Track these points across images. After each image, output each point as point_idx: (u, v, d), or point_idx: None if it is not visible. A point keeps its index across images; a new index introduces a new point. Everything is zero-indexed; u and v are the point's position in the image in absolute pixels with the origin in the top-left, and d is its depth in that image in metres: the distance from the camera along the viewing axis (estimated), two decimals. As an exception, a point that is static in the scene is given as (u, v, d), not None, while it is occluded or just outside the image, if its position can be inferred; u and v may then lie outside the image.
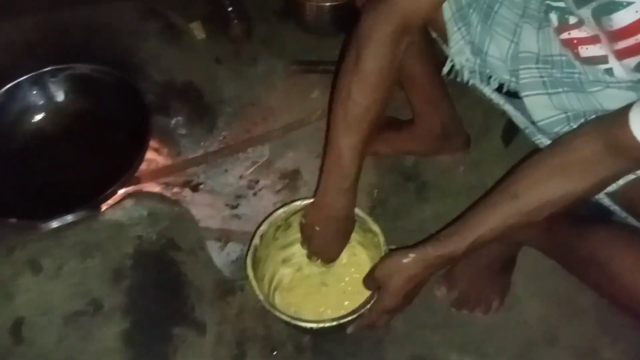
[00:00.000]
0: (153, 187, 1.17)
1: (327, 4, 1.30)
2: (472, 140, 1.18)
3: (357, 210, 0.93)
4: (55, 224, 0.85)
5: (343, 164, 0.82)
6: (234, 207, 1.17)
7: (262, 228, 0.93)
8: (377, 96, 0.78)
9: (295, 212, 0.96)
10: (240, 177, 1.21)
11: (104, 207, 0.95)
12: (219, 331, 0.95)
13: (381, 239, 0.91)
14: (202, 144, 1.25)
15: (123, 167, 0.96)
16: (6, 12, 1.17)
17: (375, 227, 0.92)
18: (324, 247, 0.94)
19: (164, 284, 0.88)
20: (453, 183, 1.16)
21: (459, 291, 1.00)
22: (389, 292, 0.77)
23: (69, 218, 0.86)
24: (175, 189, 1.18)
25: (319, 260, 0.97)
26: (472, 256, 0.83)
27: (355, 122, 0.79)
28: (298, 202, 0.96)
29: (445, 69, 0.89)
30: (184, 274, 0.91)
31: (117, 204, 0.93)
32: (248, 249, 0.92)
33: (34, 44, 1.11)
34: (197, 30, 1.36)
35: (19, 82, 1.05)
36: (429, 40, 0.93)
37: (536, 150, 0.79)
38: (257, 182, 1.20)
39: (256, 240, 0.92)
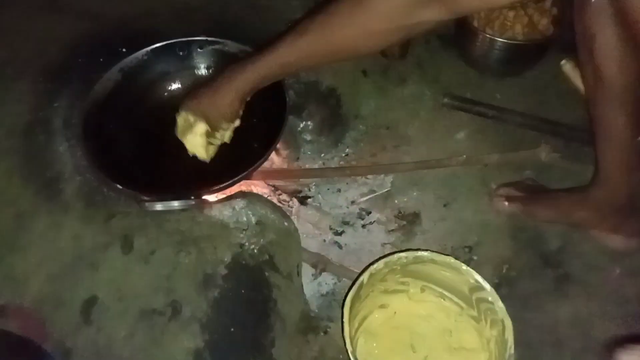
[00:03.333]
0: (261, 188, 1.08)
1: (502, 40, 1.14)
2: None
3: (488, 289, 0.78)
4: (159, 207, 0.77)
5: (265, 71, 0.79)
6: (338, 233, 1.05)
7: (375, 266, 0.84)
8: (358, 38, 0.73)
9: (417, 263, 0.85)
10: (353, 202, 1.09)
11: (213, 200, 0.86)
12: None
13: (510, 338, 0.75)
14: (322, 155, 1.15)
15: (245, 162, 0.86)
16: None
17: (508, 321, 0.76)
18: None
19: (252, 305, 0.78)
20: (602, 285, 0.95)
21: None
22: None
23: (175, 204, 0.77)
24: (283, 196, 1.09)
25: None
26: None
27: (317, 44, 0.75)
28: (425, 253, 0.85)
29: None
30: (275, 299, 0.80)
31: (227, 201, 0.83)
32: (350, 287, 0.82)
33: (194, 8, 1.05)
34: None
35: (167, 44, 0.99)
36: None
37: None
38: (369, 213, 1.08)
39: (364, 278, 0.83)
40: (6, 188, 0.84)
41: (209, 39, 1.01)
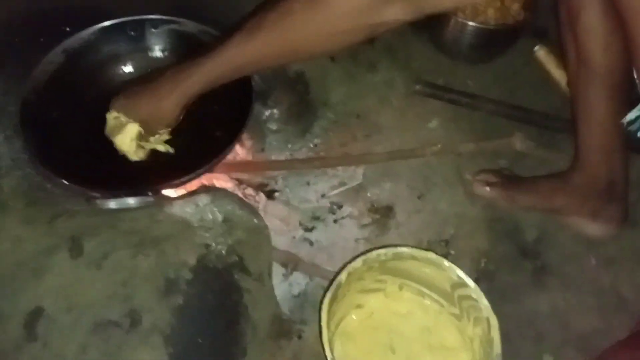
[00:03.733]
0: (224, 181, 1.00)
1: (474, 24, 1.10)
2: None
3: (472, 287, 0.75)
4: (112, 204, 0.68)
5: (213, 75, 0.72)
6: (309, 229, 0.99)
7: (353, 264, 0.79)
8: (314, 35, 0.66)
9: (396, 259, 0.81)
10: (323, 195, 1.03)
11: (174, 196, 0.78)
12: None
13: (496, 336, 0.71)
14: (289, 145, 1.08)
15: (208, 153, 0.79)
16: None
17: (493, 320, 0.73)
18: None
19: (220, 312, 0.71)
20: (579, 276, 0.94)
21: None
22: None
23: (131, 202, 0.69)
24: (249, 190, 1.01)
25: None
26: None
27: (270, 46, 0.68)
28: (405, 249, 0.81)
29: (631, 116, 0.70)
30: (245, 304, 0.73)
31: (190, 197, 0.75)
32: (327, 288, 0.78)
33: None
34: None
35: (115, 23, 0.90)
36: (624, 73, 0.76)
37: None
38: (341, 207, 1.02)
39: (342, 277, 0.78)
40: None
41: (164, 17, 0.92)
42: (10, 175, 0.76)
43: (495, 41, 1.15)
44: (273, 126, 1.08)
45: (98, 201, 0.69)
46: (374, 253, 0.79)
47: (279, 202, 1.01)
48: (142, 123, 0.79)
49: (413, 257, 0.80)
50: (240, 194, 0.98)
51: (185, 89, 0.75)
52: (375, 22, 0.63)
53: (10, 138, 0.80)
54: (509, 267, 0.94)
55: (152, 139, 0.83)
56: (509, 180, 0.98)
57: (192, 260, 0.70)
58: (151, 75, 0.80)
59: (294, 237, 0.97)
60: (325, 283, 0.93)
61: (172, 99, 0.76)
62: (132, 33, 0.91)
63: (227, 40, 0.70)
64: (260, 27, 0.68)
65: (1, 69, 0.86)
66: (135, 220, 0.71)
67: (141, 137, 0.81)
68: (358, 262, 0.78)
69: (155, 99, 0.77)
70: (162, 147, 0.85)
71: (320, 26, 0.65)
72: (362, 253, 0.81)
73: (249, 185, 1.03)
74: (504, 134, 1.07)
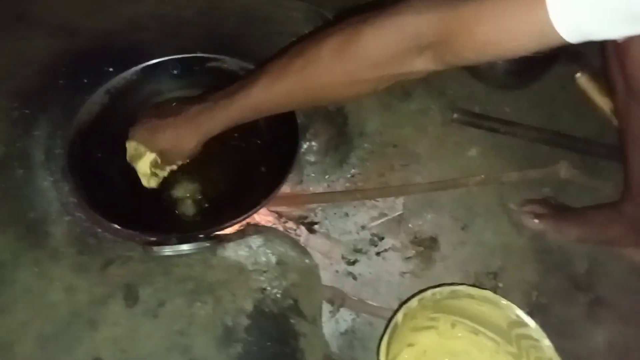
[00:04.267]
0: (264, 215, 0.99)
1: (510, 52, 1.08)
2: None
3: (533, 327, 0.74)
4: (168, 251, 0.67)
5: (236, 116, 0.72)
6: (351, 262, 0.98)
7: (409, 304, 0.77)
8: (342, 84, 0.65)
9: (451, 298, 0.79)
10: (363, 227, 1.02)
11: (226, 239, 0.77)
12: None
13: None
14: (327, 177, 1.07)
15: (255, 190, 0.78)
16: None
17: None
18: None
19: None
20: (636, 308, 0.91)
21: None
22: None
23: (186, 248, 0.67)
24: (289, 224, 1.00)
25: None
26: None
27: (295, 91, 0.68)
28: (462, 288, 0.79)
29: None
30: (302, 349, 0.71)
31: (242, 239, 0.74)
32: (385, 330, 0.75)
33: (186, 21, 0.95)
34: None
35: (159, 61, 0.89)
36: None
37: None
38: (382, 239, 1.00)
39: (398, 318, 0.76)
40: (-20, 234, 0.72)
41: (206, 55, 0.92)
42: (60, 221, 0.75)
43: (531, 67, 1.14)
44: (311, 158, 1.06)
45: (155, 248, 0.67)
46: (430, 292, 0.78)
47: (320, 235, 1.00)
48: (160, 154, 0.80)
49: (469, 296, 0.78)
50: (281, 228, 0.97)
51: (208, 128, 0.75)
52: (403, 72, 0.62)
53: (58, 182, 0.79)
54: (562, 300, 0.92)
55: (167, 168, 0.83)
56: (557, 210, 0.96)
57: (249, 306, 0.69)
58: (171, 110, 0.80)
59: (337, 271, 0.96)
60: (373, 319, 0.91)
61: (193, 136, 0.76)
62: (175, 71, 0.91)
63: (252, 83, 0.70)
64: (286, 72, 0.67)
65: (46, 112, 0.85)
66: (189, 266, 0.70)
67: (156, 166, 0.81)
68: (414, 302, 0.77)
69: (175, 135, 0.77)
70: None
71: (347, 75, 0.64)
72: (417, 293, 0.78)
73: (289, 218, 1.01)
74: (546, 162, 1.05)
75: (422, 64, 0.60)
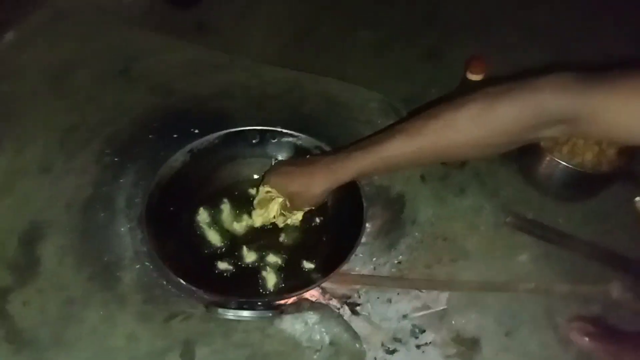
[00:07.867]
0: (311, 291, 1.01)
1: (571, 166, 1.11)
2: None
3: None
4: (230, 315, 0.69)
5: (367, 169, 0.79)
6: (390, 351, 0.97)
7: None
8: (475, 147, 0.71)
9: None
10: (404, 316, 1.02)
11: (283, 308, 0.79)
12: None
13: None
14: (374, 259, 1.09)
15: (319, 264, 0.81)
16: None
17: None
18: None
19: None
20: None
21: None
22: None
23: (245, 315, 0.70)
24: (333, 301, 1.01)
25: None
26: None
27: (427, 150, 0.75)
28: None
29: None
30: None
31: (298, 313, 0.76)
32: None
33: (270, 96, 1.03)
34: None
35: (241, 130, 0.96)
36: None
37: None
38: (424, 331, 1.00)
39: None
40: (58, 268, 0.77)
41: (284, 130, 0.98)
42: (132, 268, 0.79)
43: (589, 184, 1.16)
44: (362, 239, 1.08)
45: (220, 310, 0.70)
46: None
47: (362, 318, 1.00)
48: (290, 197, 0.87)
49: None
50: (324, 303, 0.98)
51: (339, 176, 0.82)
52: (532, 138, 0.67)
53: (134, 230, 0.83)
54: None
55: (294, 211, 0.91)
56: (608, 332, 0.94)
57: (299, 382, 0.70)
58: (304, 161, 0.89)
59: (375, 358, 0.95)
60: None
61: (324, 182, 0.83)
62: (254, 141, 0.97)
63: (387, 139, 0.77)
64: (422, 132, 0.74)
65: (134, 162, 0.91)
66: (247, 332, 0.71)
67: (285, 209, 0.89)
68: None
69: (308, 179, 0.85)
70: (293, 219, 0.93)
71: (479, 140, 0.70)
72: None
73: (333, 295, 1.02)
74: (597, 279, 1.04)
75: (550, 134, 0.67)
